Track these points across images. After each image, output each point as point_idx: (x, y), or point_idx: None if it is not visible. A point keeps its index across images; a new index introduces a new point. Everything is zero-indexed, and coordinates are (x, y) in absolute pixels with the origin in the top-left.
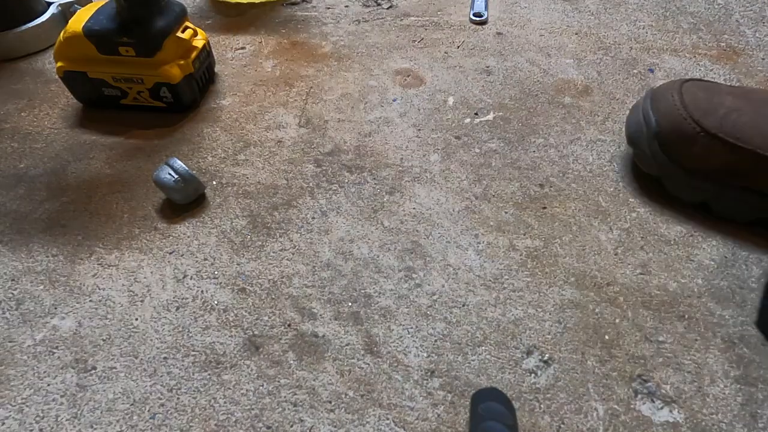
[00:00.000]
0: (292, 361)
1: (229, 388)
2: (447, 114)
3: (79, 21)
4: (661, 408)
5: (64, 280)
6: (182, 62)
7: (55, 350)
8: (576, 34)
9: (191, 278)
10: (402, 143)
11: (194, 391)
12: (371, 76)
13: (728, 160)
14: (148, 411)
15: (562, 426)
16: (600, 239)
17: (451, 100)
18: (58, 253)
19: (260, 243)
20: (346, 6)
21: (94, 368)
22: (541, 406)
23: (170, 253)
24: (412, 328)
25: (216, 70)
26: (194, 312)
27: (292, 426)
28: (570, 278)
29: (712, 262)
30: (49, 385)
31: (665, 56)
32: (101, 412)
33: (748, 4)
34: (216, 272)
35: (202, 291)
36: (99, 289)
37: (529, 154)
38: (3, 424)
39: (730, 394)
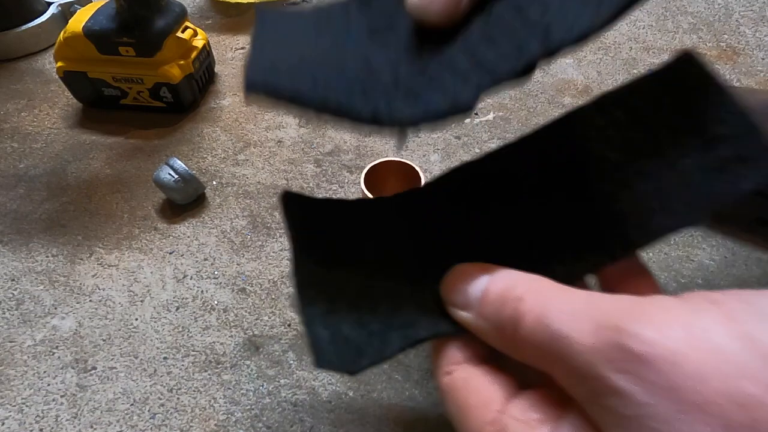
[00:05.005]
0: (292, 361)
1: (229, 388)
2: None
3: (79, 21)
4: None
5: (64, 280)
6: (182, 62)
7: (55, 350)
8: None
9: (191, 278)
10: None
11: (194, 391)
12: None
13: None
14: (148, 411)
15: None
16: None
17: None
18: (58, 253)
19: (260, 243)
20: None
21: (94, 368)
22: None
23: (170, 253)
24: None
25: (216, 70)
26: (194, 312)
27: (292, 426)
28: None
29: (712, 262)
30: (49, 385)
31: (665, 56)
32: (101, 412)
33: (748, 4)
34: (216, 272)
35: (202, 291)
36: (99, 289)
37: None
38: (3, 424)
39: None
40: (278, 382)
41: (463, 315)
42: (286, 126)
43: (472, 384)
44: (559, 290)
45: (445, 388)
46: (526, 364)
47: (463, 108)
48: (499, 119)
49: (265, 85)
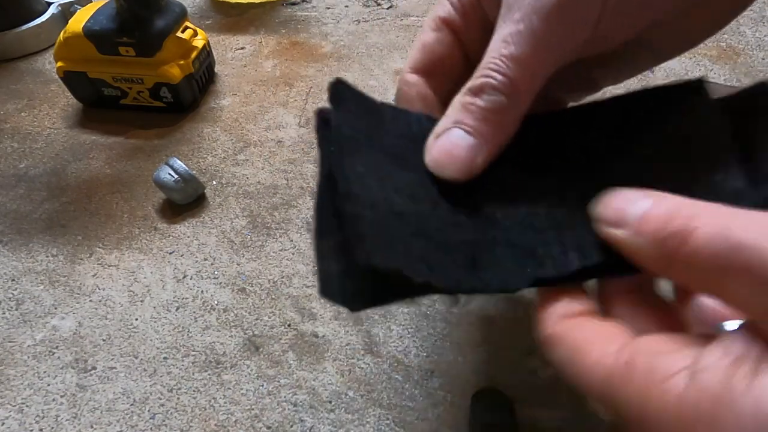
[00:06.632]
0: (292, 361)
1: (229, 388)
2: None
3: (79, 21)
4: None
5: (64, 280)
6: (182, 62)
7: (55, 350)
8: None
9: (191, 278)
10: None
11: (194, 391)
12: (371, 76)
13: None
14: (148, 411)
15: (562, 426)
16: None
17: None
18: (58, 253)
19: (260, 243)
20: (346, 6)
21: (94, 368)
22: (541, 406)
23: (170, 253)
24: (412, 328)
25: (216, 70)
26: (194, 312)
27: (292, 426)
28: None
29: None
30: (49, 385)
31: None
32: (101, 412)
33: None
34: (216, 272)
35: (202, 291)
36: (99, 289)
37: None
38: (3, 424)
39: None
40: (278, 382)
41: (616, 233)
42: (286, 126)
43: (588, 326)
44: (736, 210)
45: (556, 335)
46: (679, 283)
47: (510, 291)
48: None
49: (387, 268)
